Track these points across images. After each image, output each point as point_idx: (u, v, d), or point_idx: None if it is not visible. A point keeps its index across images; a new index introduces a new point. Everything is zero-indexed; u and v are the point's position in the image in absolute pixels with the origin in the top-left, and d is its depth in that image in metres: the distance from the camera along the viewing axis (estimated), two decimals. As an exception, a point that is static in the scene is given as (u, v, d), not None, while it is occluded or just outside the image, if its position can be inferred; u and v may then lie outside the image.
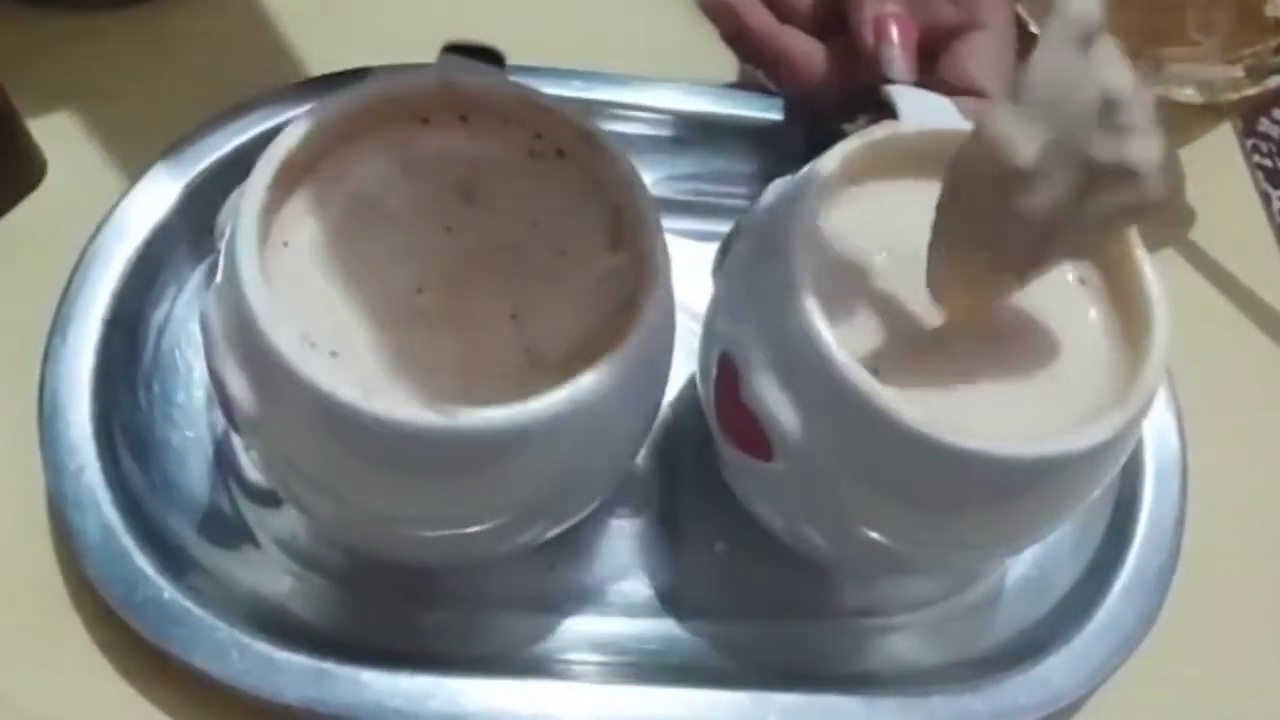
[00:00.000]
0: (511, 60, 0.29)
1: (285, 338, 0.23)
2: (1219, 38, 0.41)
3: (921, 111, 0.30)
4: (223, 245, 0.24)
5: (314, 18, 0.40)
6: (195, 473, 0.31)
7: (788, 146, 0.40)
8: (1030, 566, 0.34)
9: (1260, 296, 0.42)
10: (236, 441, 0.31)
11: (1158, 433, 0.35)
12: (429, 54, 0.28)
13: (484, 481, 0.24)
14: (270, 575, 0.30)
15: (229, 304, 0.24)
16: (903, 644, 0.33)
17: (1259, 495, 0.38)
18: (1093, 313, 0.28)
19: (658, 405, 0.28)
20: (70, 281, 0.32)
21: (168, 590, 0.28)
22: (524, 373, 0.25)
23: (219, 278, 0.24)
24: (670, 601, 0.32)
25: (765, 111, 0.40)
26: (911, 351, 0.26)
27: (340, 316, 0.24)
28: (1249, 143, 0.48)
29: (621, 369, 0.24)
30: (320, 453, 0.24)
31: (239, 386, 0.23)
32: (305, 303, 0.24)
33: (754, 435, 0.27)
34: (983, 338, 0.27)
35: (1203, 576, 0.34)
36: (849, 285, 0.27)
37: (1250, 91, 0.39)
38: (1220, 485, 0.36)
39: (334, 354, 0.24)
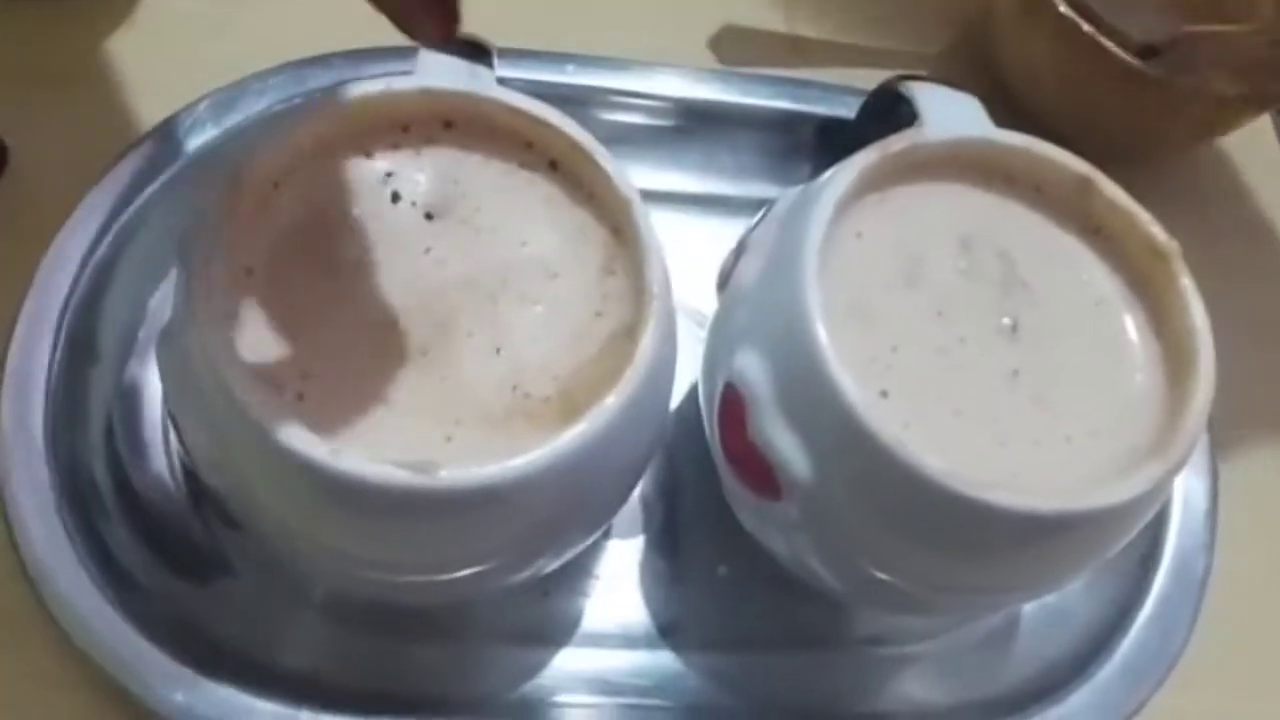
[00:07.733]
0: (502, 41, 0.26)
1: (246, 381, 0.21)
2: (1260, 21, 0.38)
3: (945, 111, 0.28)
4: (179, 274, 0.22)
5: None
6: (164, 502, 0.29)
7: (798, 136, 0.38)
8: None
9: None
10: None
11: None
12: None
13: (466, 533, 0.22)
14: (246, 610, 0.28)
15: (186, 342, 0.22)
16: (915, 677, 0.31)
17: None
18: (1132, 344, 0.26)
19: (658, 440, 0.26)
20: (29, 292, 0.30)
21: (131, 631, 0.26)
22: (510, 414, 0.23)
23: (173, 313, 0.22)
24: (670, 631, 0.31)
25: (774, 99, 0.38)
26: (933, 386, 0.24)
27: (307, 353, 0.22)
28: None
29: (616, 414, 0.22)
30: (287, 505, 0.22)
31: (196, 435, 0.21)
32: (269, 338, 0.22)
33: (761, 474, 0.25)
34: (1011, 372, 0.25)
35: (1229, 606, 0.32)
36: (865, 313, 0.25)
37: (1292, 80, 0.36)
38: (1250, 510, 0.34)
39: (300, 396, 0.22)
